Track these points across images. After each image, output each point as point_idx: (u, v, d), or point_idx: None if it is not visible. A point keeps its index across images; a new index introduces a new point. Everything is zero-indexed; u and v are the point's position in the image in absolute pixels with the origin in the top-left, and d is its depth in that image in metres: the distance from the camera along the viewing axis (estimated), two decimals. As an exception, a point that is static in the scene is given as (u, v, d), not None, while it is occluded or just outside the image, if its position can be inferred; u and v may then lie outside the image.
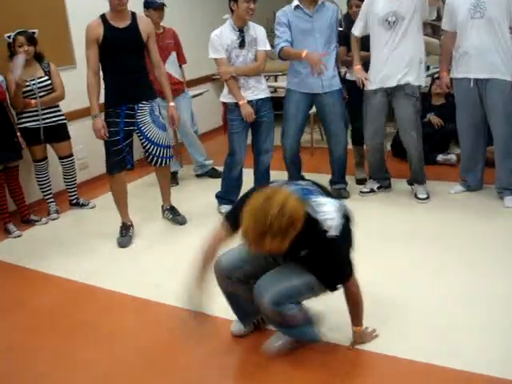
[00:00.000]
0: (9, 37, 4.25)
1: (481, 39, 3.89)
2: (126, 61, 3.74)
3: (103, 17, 3.73)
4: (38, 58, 4.43)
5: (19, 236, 4.33)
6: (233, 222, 2.36)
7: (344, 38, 4.37)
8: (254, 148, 4.42)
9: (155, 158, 4.05)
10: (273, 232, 2.07)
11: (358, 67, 4.25)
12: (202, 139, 5.68)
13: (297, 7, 4.17)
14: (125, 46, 3.72)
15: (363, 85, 4.21)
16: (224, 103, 4.31)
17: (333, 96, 4.30)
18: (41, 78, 4.40)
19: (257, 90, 4.20)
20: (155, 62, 3.98)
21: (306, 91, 4.30)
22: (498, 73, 3.91)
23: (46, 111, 4.44)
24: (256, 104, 4.19)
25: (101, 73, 3.82)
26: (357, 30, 4.23)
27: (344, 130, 4.46)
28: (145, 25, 3.85)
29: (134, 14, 3.81)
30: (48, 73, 4.45)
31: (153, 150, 4.01)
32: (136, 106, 3.86)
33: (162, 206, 4.39)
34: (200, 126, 5.82)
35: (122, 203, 4.08)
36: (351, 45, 4.30)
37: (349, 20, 4.53)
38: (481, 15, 3.85)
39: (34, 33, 4.33)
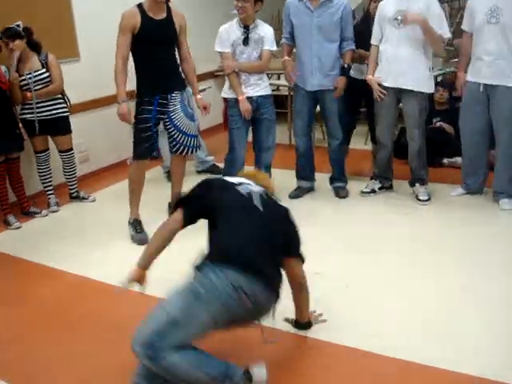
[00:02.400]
0: (0, 38, 4.21)
1: (494, 45, 3.89)
2: (160, 52, 3.80)
3: (140, 7, 3.73)
4: (35, 48, 4.37)
5: (19, 228, 4.32)
6: (189, 215, 2.43)
7: (356, 34, 4.36)
8: (255, 145, 4.43)
9: (181, 147, 4.03)
10: None
11: (369, 77, 4.25)
12: (203, 135, 5.68)
13: (300, 0, 4.18)
14: (161, 38, 3.76)
15: (380, 95, 4.22)
16: (225, 99, 4.33)
17: (328, 94, 4.34)
18: (38, 70, 4.34)
19: (258, 87, 4.22)
20: (185, 56, 4.00)
21: (307, 89, 4.34)
22: (507, 81, 3.91)
23: (42, 104, 4.40)
24: (257, 101, 4.21)
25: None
26: (375, 39, 4.23)
27: (339, 127, 4.48)
28: (179, 18, 3.88)
29: (168, 7, 3.83)
30: (45, 65, 4.39)
31: (180, 138, 4.00)
32: (169, 96, 3.89)
33: (169, 203, 4.37)
34: (201, 122, 5.81)
35: (137, 193, 4.04)
36: (370, 54, 4.30)
37: (367, 17, 4.51)
38: (496, 20, 3.85)
39: (18, 25, 4.23)
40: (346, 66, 4.31)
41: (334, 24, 4.18)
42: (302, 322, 2.66)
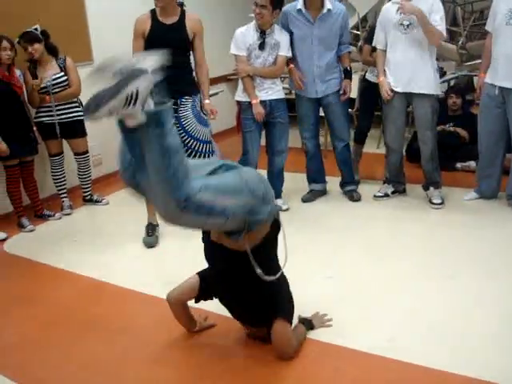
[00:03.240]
0: (18, 42, 4.24)
1: (510, 47, 3.84)
2: (170, 56, 3.77)
3: (153, 11, 3.77)
4: (52, 52, 4.42)
5: (32, 230, 4.35)
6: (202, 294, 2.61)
7: (371, 37, 4.36)
8: (268, 149, 4.43)
9: (193, 153, 4.02)
10: None
11: (381, 79, 4.24)
12: (216, 139, 5.67)
13: (299, 11, 4.18)
14: (170, 42, 3.73)
15: (387, 96, 4.21)
16: (238, 102, 4.34)
17: (331, 97, 4.35)
18: (56, 74, 4.39)
19: (271, 91, 4.23)
20: (198, 60, 3.98)
21: (310, 97, 4.37)
22: None
23: (61, 107, 4.45)
24: (270, 105, 4.22)
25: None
26: (379, 44, 4.23)
27: (346, 129, 4.50)
28: (193, 22, 3.85)
29: (183, 11, 3.84)
30: (64, 68, 4.45)
31: (192, 144, 3.97)
32: (179, 101, 3.88)
33: None
34: (214, 125, 5.82)
35: None
36: (376, 58, 4.30)
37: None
38: None
39: (36, 29, 4.27)
40: (348, 68, 4.33)
41: (333, 34, 4.21)
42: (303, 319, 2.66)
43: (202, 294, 2.63)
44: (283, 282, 2.53)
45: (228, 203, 2.11)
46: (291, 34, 4.24)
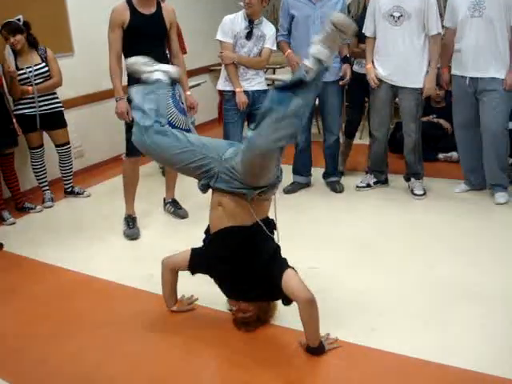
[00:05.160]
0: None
1: (478, 38, 3.90)
2: (149, 47, 3.73)
3: (129, 1, 3.70)
4: (33, 43, 4.37)
5: (13, 223, 4.30)
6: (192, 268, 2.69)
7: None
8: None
9: None
10: None
11: (368, 66, 4.25)
12: (198, 130, 5.65)
13: None
14: (150, 32, 3.72)
15: (373, 84, 4.23)
16: (220, 92, 4.32)
17: (330, 87, 4.30)
18: (38, 64, 4.35)
19: (253, 82, 4.23)
20: (174, 51, 3.97)
21: None
22: (492, 72, 3.92)
23: (42, 98, 4.40)
24: (252, 95, 4.21)
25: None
26: (368, 31, 4.22)
27: (338, 122, 4.52)
28: (169, 13, 3.85)
29: (158, 2, 3.81)
30: (45, 59, 4.40)
31: None
32: None
33: (164, 198, 4.36)
34: (197, 116, 5.80)
35: (131, 190, 4.02)
36: (366, 45, 4.29)
37: (365, 9, 4.47)
38: (480, 14, 3.86)
39: (19, 20, 4.22)
40: (347, 55, 4.33)
41: None
42: (311, 346, 2.50)
43: (191, 269, 2.71)
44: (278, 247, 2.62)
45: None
46: (291, 19, 4.22)
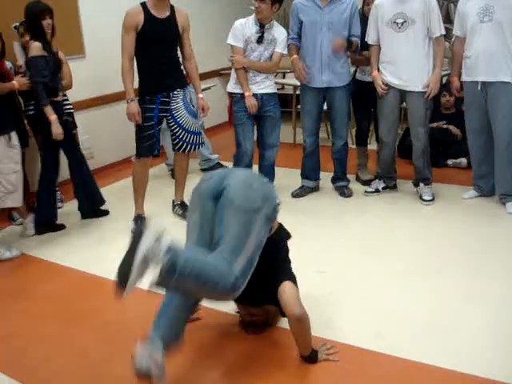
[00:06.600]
0: (15, 27, 4.23)
1: (489, 43, 3.90)
2: (162, 51, 3.81)
3: (144, 5, 3.75)
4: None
5: (22, 223, 4.32)
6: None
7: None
8: (260, 143, 4.44)
9: (184, 144, 4.04)
10: None
11: (375, 73, 4.25)
12: (208, 133, 5.68)
13: None
14: (163, 36, 3.77)
15: (382, 90, 4.23)
16: (230, 94, 4.34)
17: (340, 90, 4.32)
18: None
19: (263, 85, 4.24)
20: (187, 55, 4.01)
21: (316, 86, 4.32)
22: (504, 76, 3.91)
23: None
24: (261, 98, 4.23)
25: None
26: (371, 39, 4.24)
27: (346, 126, 4.52)
28: (182, 18, 3.89)
29: (172, 6, 3.85)
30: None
31: (183, 136, 4.01)
32: (171, 94, 3.90)
33: (173, 200, 4.38)
34: (207, 120, 5.83)
35: (141, 191, 4.07)
36: (370, 52, 4.30)
37: (363, 17, 4.47)
38: (489, 19, 3.86)
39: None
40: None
41: (343, 21, 4.18)
42: (303, 355, 2.48)
43: None
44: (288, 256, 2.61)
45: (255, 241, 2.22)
46: (301, 23, 4.23)
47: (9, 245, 3.88)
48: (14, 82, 3.93)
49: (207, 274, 2.08)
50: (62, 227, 4.23)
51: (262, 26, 4.12)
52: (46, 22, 3.97)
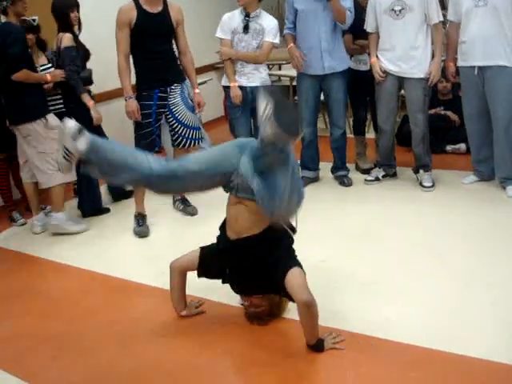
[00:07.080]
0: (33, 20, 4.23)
1: (485, 27, 3.89)
2: (157, 45, 3.79)
3: (136, 1, 3.72)
4: (41, 46, 4.40)
5: (24, 224, 4.34)
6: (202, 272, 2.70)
7: (350, 26, 4.32)
8: (254, 135, 4.42)
9: (184, 140, 4.02)
10: None
11: (373, 60, 4.24)
12: (205, 128, 5.67)
13: None
14: (157, 31, 3.75)
15: (379, 77, 4.22)
16: (224, 88, 4.34)
17: (337, 79, 4.30)
18: (44, 65, 4.36)
19: (253, 77, 4.22)
20: (182, 49, 3.99)
21: (312, 73, 4.31)
22: (500, 60, 3.91)
23: (50, 98, 4.37)
24: (251, 91, 4.19)
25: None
26: (369, 27, 4.23)
27: (344, 116, 4.51)
28: (175, 11, 3.86)
29: (165, 1, 3.82)
30: (51, 60, 4.41)
31: (182, 131, 3.99)
32: (168, 89, 3.88)
33: (173, 196, 4.37)
34: (203, 114, 5.82)
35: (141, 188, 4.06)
36: (369, 40, 4.29)
37: (357, 8, 4.41)
38: (484, 3, 3.85)
39: (34, 20, 4.27)
40: None
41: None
42: (310, 344, 2.48)
43: (200, 269, 2.69)
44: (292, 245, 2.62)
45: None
46: (296, 12, 4.21)
47: (77, 219, 4.20)
48: (47, 74, 4.07)
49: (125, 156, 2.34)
50: (107, 210, 4.41)
51: (247, 15, 4.09)
52: (74, 15, 4.12)
